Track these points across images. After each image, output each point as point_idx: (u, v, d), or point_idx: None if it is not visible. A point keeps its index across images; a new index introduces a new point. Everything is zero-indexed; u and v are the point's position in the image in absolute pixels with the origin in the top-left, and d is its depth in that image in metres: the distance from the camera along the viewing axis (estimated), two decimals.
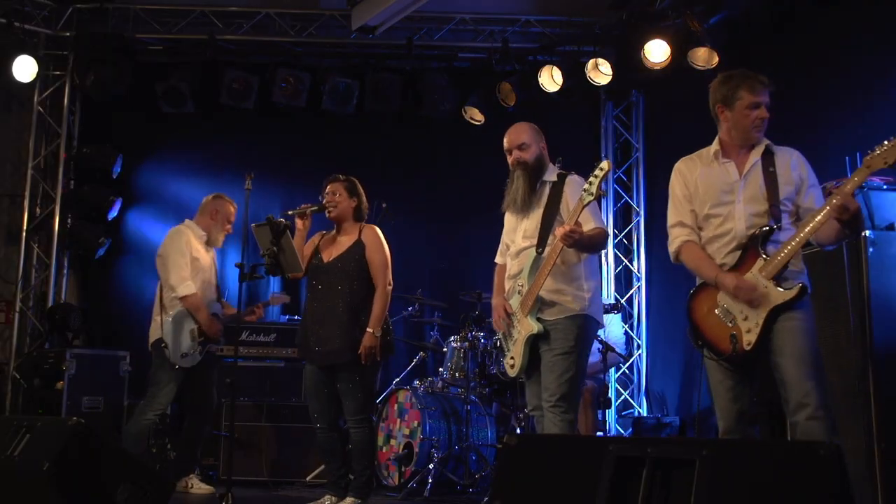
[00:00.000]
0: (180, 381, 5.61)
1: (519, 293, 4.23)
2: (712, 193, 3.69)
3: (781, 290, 3.43)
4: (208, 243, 5.86)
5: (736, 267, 3.57)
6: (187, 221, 5.88)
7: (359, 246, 5.02)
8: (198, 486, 5.77)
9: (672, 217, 3.81)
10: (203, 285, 5.70)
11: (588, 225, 4.09)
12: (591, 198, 3.93)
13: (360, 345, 4.85)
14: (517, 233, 4.35)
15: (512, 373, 4.27)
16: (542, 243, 4.16)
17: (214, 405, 5.96)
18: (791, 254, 3.43)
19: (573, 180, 4.26)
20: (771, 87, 3.64)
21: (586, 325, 4.18)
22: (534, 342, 4.16)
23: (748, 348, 3.45)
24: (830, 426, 3.32)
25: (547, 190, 4.30)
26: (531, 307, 4.13)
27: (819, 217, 3.35)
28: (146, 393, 5.66)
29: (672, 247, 3.80)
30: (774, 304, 3.43)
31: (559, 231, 3.95)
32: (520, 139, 4.37)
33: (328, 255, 5.05)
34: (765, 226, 3.52)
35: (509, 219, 4.46)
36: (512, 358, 4.23)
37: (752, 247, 3.54)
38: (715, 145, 3.79)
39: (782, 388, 3.42)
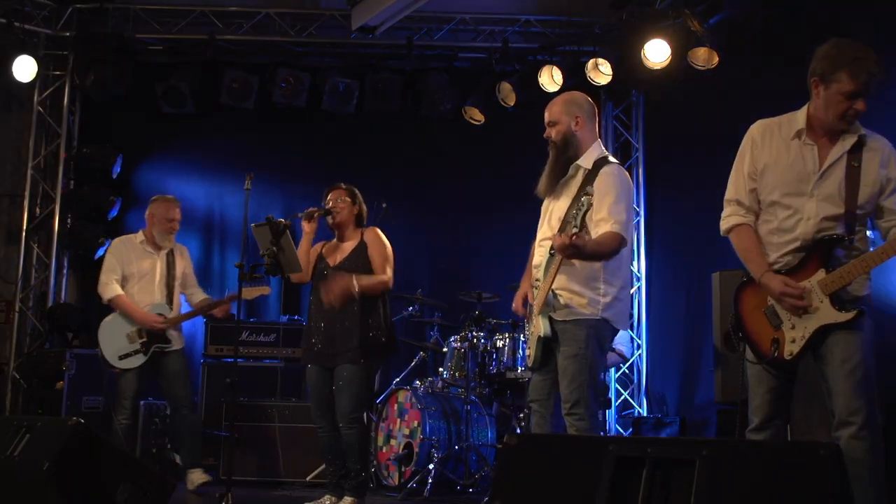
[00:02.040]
0: (137, 381, 5.73)
1: (535, 288, 3.99)
2: (787, 180, 3.28)
3: (837, 310, 3.13)
4: (159, 248, 5.97)
5: (795, 270, 3.24)
6: (125, 236, 6.12)
7: (362, 247, 5.08)
8: (198, 478, 5.74)
9: (730, 191, 3.43)
10: (142, 290, 5.84)
11: (600, 228, 3.78)
12: (576, 230, 3.57)
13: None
14: (545, 218, 4.05)
15: (528, 363, 4.17)
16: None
17: (189, 396, 5.95)
18: (855, 274, 3.12)
19: (606, 172, 3.86)
20: (879, 76, 3.17)
21: (599, 329, 3.86)
22: (545, 342, 3.93)
23: (788, 358, 3.21)
24: (873, 445, 3.07)
25: (579, 178, 3.93)
26: (541, 307, 3.88)
27: (889, 248, 3.08)
28: None
29: (724, 224, 3.45)
30: (825, 323, 3.15)
31: (556, 241, 3.65)
32: (550, 115, 4.02)
33: (333, 260, 5.10)
34: (835, 234, 3.18)
35: (544, 204, 4.12)
36: (529, 349, 4.11)
37: (817, 253, 3.21)
38: (801, 119, 3.31)
39: (829, 399, 3.18)
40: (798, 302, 3.17)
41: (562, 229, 3.79)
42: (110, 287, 5.80)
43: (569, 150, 3.97)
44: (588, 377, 3.82)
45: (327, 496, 5.01)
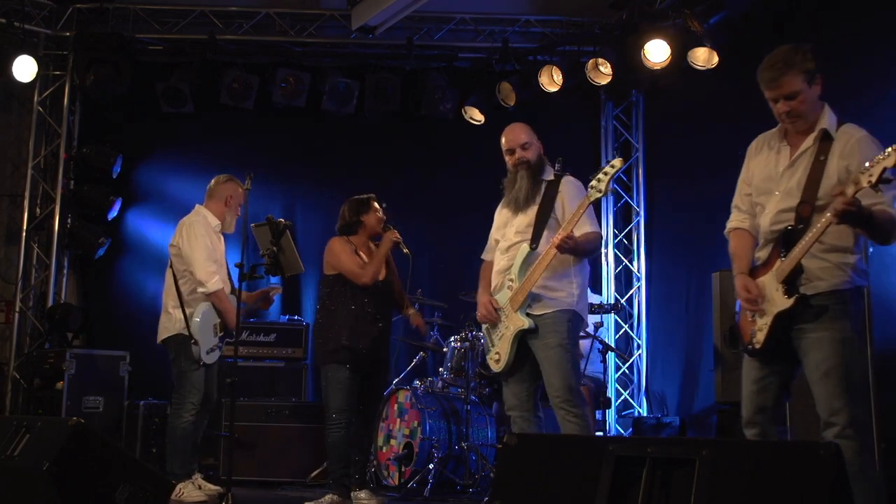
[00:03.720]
0: (206, 376, 5.42)
1: (508, 288, 4.24)
2: (762, 180, 3.49)
3: (786, 297, 3.26)
4: (222, 230, 5.63)
5: (766, 264, 3.41)
6: (198, 208, 5.61)
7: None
8: (206, 487, 5.49)
9: (734, 198, 3.66)
10: (223, 278, 5.49)
11: (583, 229, 4.15)
12: (600, 195, 3.99)
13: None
14: (508, 228, 4.39)
15: (496, 368, 4.28)
16: (535, 239, 4.21)
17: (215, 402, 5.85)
18: (796, 258, 3.22)
19: (569, 181, 4.35)
20: (766, 80, 3.35)
21: (575, 320, 4.23)
22: (522, 338, 4.16)
23: (757, 346, 3.35)
24: (863, 446, 3.11)
25: (542, 188, 4.36)
26: (521, 303, 4.14)
27: (819, 226, 3.17)
28: (172, 396, 5.43)
29: (727, 228, 3.67)
30: (778, 311, 3.28)
31: (555, 239, 4.02)
32: (521, 139, 4.43)
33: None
34: (788, 225, 3.31)
35: (501, 215, 4.50)
36: (497, 353, 4.25)
37: (777, 245, 3.36)
38: (780, 126, 3.52)
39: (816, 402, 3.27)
40: (749, 305, 3.38)
41: (536, 233, 4.23)
42: (216, 280, 5.31)
43: (542, 169, 4.44)
44: (572, 365, 4.14)
45: (364, 492, 5.10)
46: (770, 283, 3.33)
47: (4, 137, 8.05)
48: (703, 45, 6.73)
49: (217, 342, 5.45)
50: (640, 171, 8.25)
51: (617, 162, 3.99)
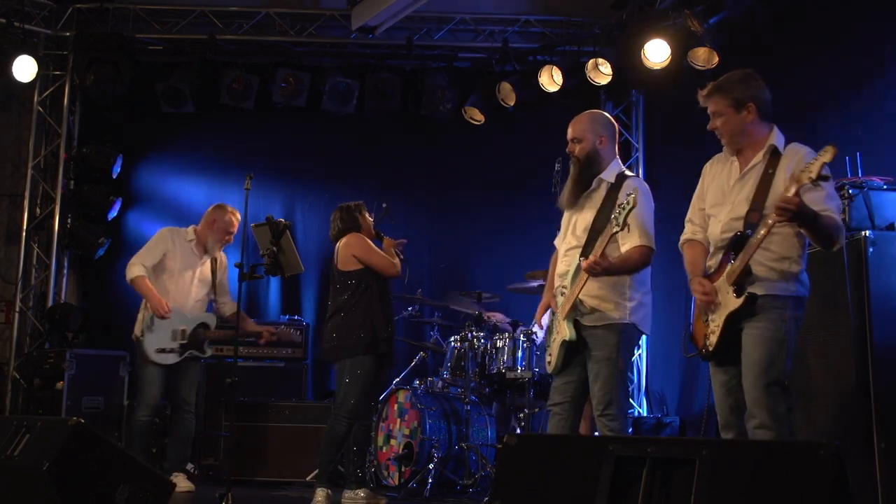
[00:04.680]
0: (162, 379, 5.70)
1: (562, 294, 4.13)
2: (713, 192, 3.72)
3: (736, 297, 3.43)
4: (206, 252, 5.92)
5: (717, 270, 3.58)
6: (177, 228, 6.02)
7: None
8: (182, 485, 5.62)
9: (689, 212, 3.86)
10: (178, 287, 5.80)
11: (630, 242, 3.96)
12: (619, 229, 3.79)
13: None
14: (568, 228, 4.23)
15: (549, 369, 4.24)
16: (587, 249, 4.01)
17: (193, 402, 5.93)
18: (744, 260, 3.39)
19: (629, 185, 4.06)
20: (709, 94, 3.69)
21: (627, 333, 4.04)
22: (570, 347, 4.07)
23: (710, 349, 3.53)
24: (778, 438, 3.29)
25: (603, 190, 4.12)
26: (568, 312, 4.03)
27: (764, 226, 3.35)
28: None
29: (680, 241, 3.86)
30: (728, 311, 3.45)
31: (584, 264, 3.87)
32: (574, 132, 4.19)
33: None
34: (737, 231, 3.49)
35: (565, 215, 4.31)
36: (549, 355, 4.21)
37: (727, 251, 3.53)
38: None
39: None
40: (703, 297, 3.55)
41: (591, 241, 3.99)
42: (135, 268, 5.71)
43: (592, 167, 4.15)
44: (619, 379, 4.01)
45: (363, 491, 5.17)
46: (721, 286, 3.50)
47: (4, 137, 8.05)
48: (703, 45, 6.72)
49: (176, 346, 5.69)
50: (640, 172, 8.24)
51: (632, 199, 3.76)
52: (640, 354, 8.01)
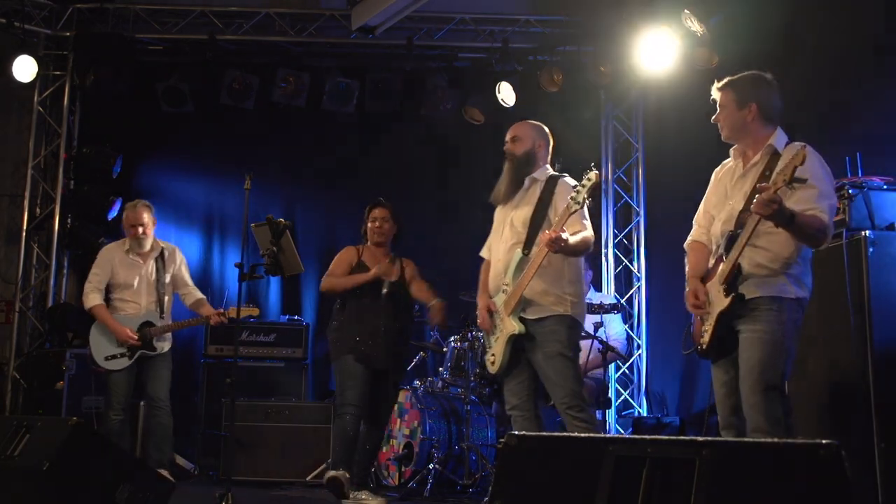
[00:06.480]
0: (126, 380, 5.77)
1: (504, 292, 4.23)
2: (716, 193, 3.77)
3: (725, 297, 3.45)
4: (139, 254, 6.02)
5: (713, 270, 3.61)
6: (114, 243, 6.18)
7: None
8: None
9: (696, 214, 3.91)
10: (129, 298, 5.92)
11: (573, 229, 4.09)
12: (578, 206, 3.95)
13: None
14: (505, 225, 4.37)
15: (492, 370, 4.29)
16: (528, 244, 4.18)
17: (168, 398, 5.93)
18: (732, 259, 3.42)
19: (564, 182, 4.27)
20: (720, 87, 3.71)
21: (574, 327, 4.21)
22: (515, 342, 4.16)
23: (703, 347, 3.59)
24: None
25: (538, 190, 4.31)
26: (514, 307, 4.14)
27: (748, 226, 3.38)
28: None
29: (686, 242, 3.90)
30: (718, 310, 3.48)
31: (544, 237, 3.97)
32: (514, 132, 4.44)
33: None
34: (729, 230, 3.54)
35: (498, 213, 4.49)
36: (493, 355, 4.26)
37: (723, 251, 3.57)
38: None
39: None
40: (692, 307, 3.62)
41: (530, 237, 4.17)
42: (90, 297, 5.90)
43: (526, 166, 4.37)
44: (573, 371, 4.11)
45: (365, 492, 5.13)
46: (714, 285, 3.55)
47: (4, 137, 8.04)
48: (703, 46, 6.72)
49: (124, 350, 5.78)
50: (640, 171, 8.25)
51: (593, 175, 3.92)
52: (640, 354, 8.02)
